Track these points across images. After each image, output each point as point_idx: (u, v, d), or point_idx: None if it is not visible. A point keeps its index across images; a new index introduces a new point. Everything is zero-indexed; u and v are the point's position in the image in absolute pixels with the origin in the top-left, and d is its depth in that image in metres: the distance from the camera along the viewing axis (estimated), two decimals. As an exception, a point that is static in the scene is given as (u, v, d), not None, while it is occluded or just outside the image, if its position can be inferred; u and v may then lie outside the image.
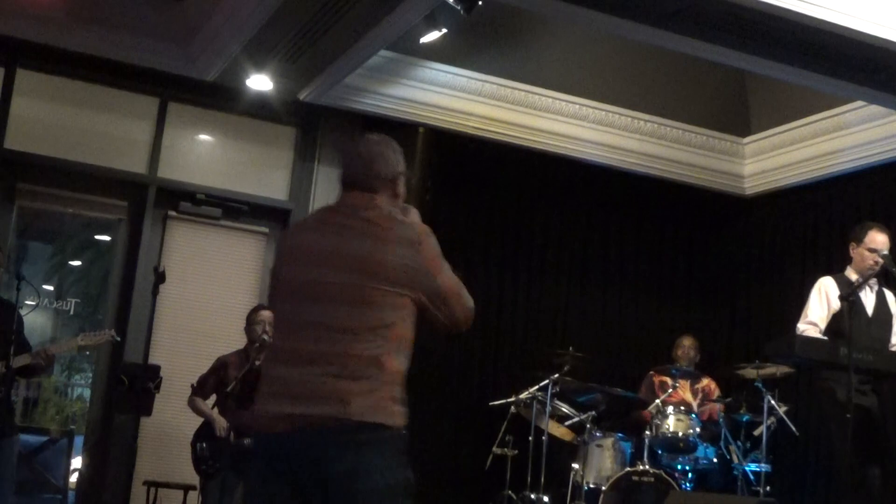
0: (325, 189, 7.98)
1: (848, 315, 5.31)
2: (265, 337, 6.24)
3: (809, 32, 5.65)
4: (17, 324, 5.79)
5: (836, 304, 5.64)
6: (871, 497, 5.60)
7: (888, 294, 5.94)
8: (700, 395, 7.85)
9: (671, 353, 8.12)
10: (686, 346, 8.03)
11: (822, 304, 5.82)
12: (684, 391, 7.83)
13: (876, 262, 5.77)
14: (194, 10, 6.99)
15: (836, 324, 5.66)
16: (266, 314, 6.41)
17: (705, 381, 7.92)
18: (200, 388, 6.43)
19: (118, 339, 6.35)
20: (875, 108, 7.40)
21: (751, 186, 8.91)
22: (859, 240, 5.92)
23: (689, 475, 7.16)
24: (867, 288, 5.81)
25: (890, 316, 5.89)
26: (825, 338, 5.64)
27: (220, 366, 6.43)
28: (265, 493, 2.89)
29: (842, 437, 5.24)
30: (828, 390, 5.60)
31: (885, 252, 5.79)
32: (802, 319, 5.85)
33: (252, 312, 6.52)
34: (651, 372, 7.93)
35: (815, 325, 5.77)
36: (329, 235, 3.02)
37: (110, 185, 7.58)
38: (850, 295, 5.41)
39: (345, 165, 3.22)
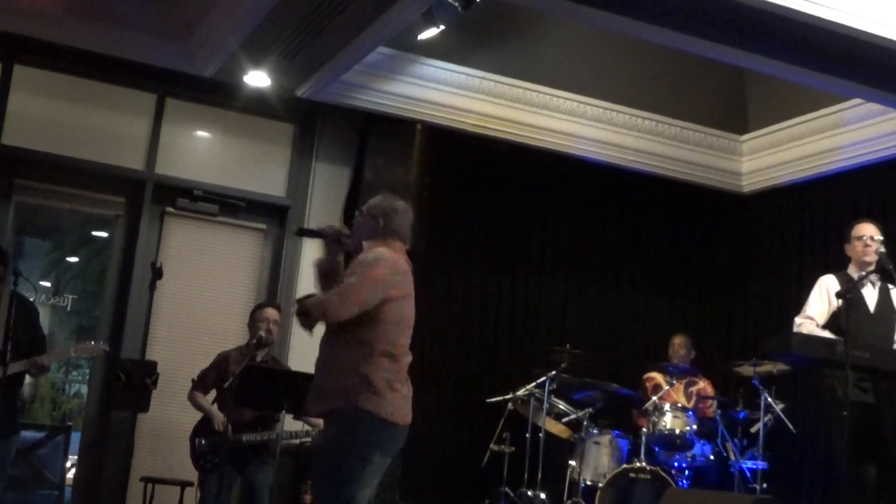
0: (322, 186, 7.98)
1: (845, 312, 5.31)
2: (262, 334, 6.29)
3: (808, 30, 5.65)
4: (32, 316, 5.82)
5: (837, 301, 5.64)
6: (866, 495, 5.61)
7: (893, 291, 5.90)
8: (694, 399, 7.84)
9: (668, 351, 8.12)
10: (676, 345, 8.02)
11: (822, 300, 5.83)
12: (678, 394, 7.81)
13: (867, 247, 5.80)
14: (192, 6, 6.98)
15: (836, 321, 5.66)
16: (271, 312, 6.45)
17: (701, 384, 7.90)
18: (201, 383, 6.43)
19: (109, 351, 6.38)
20: (873, 106, 7.40)
21: (748, 184, 8.91)
22: (848, 238, 5.99)
23: (686, 472, 7.17)
24: (869, 285, 5.81)
25: (893, 313, 5.87)
26: (824, 335, 5.64)
27: (221, 361, 6.43)
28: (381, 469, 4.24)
29: (839, 434, 5.25)
30: (830, 388, 5.59)
31: (877, 238, 5.81)
32: (801, 314, 5.87)
33: (255, 310, 6.54)
34: (644, 377, 7.93)
35: (811, 318, 5.78)
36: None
37: (108, 181, 7.58)
38: (847, 292, 5.42)
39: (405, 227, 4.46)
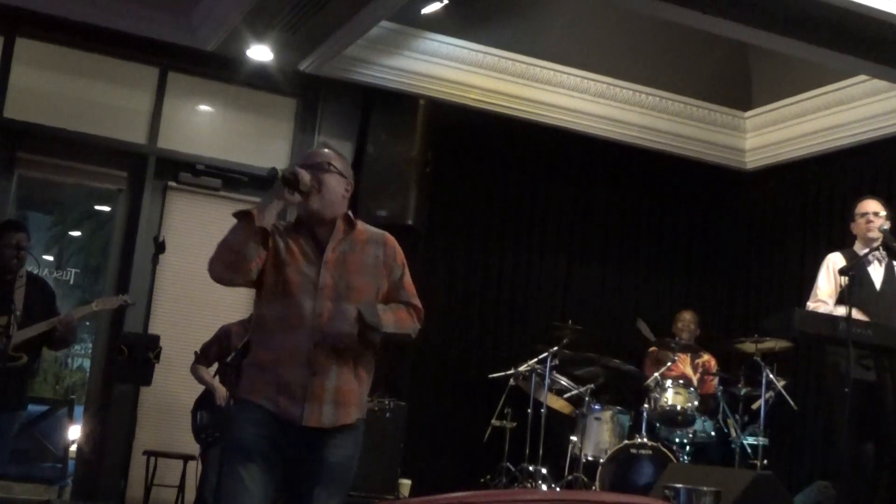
0: (325, 160, 7.95)
1: (847, 289, 5.29)
2: None
3: (812, 5, 5.63)
4: (49, 298, 5.79)
5: (842, 279, 5.61)
6: (865, 472, 5.61)
7: None
8: (700, 370, 7.87)
9: (670, 326, 8.14)
10: (687, 320, 8.06)
11: (829, 279, 5.80)
12: (684, 365, 7.85)
13: (869, 223, 5.78)
14: (194, -20, 6.95)
15: (842, 298, 5.64)
16: None
17: (705, 357, 7.94)
18: (203, 356, 6.43)
19: (132, 303, 6.28)
20: (878, 83, 7.38)
21: (752, 161, 8.89)
22: (853, 215, 5.96)
23: (687, 448, 7.18)
24: (875, 262, 5.79)
25: None
26: (827, 312, 5.62)
27: (224, 334, 6.43)
28: None
29: (840, 411, 5.25)
30: (832, 364, 5.58)
31: (882, 214, 5.79)
32: (812, 298, 5.82)
33: None
34: (651, 349, 7.95)
35: (824, 302, 5.73)
36: None
37: (110, 155, 7.57)
38: (850, 269, 5.40)
39: None
